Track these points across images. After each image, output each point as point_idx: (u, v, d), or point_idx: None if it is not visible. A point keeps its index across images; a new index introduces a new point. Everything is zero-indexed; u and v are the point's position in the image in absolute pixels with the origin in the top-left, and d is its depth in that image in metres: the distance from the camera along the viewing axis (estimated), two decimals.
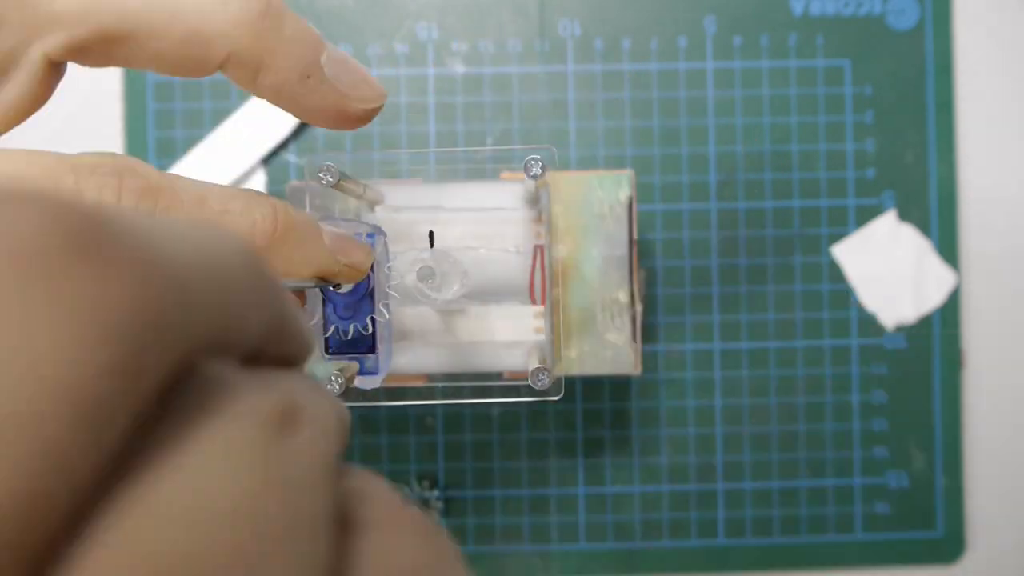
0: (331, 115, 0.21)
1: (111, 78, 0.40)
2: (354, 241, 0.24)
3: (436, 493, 0.41)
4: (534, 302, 0.32)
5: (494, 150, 0.40)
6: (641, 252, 0.39)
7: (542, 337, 0.32)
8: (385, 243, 0.28)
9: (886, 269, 0.41)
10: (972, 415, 0.41)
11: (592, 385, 0.41)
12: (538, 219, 0.32)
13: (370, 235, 0.27)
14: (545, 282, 0.31)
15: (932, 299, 0.41)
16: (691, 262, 0.41)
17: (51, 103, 0.44)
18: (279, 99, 0.21)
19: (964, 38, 0.41)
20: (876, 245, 0.41)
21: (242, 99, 0.40)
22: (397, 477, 0.41)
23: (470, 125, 0.41)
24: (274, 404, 0.11)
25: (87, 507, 0.09)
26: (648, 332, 0.40)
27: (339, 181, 0.27)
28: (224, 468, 0.10)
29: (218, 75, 0.20)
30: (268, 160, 0.40)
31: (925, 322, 0.41)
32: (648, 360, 0.40)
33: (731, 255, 0.41)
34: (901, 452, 0.41)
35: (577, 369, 0.34)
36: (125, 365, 0.09)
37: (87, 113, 0.40)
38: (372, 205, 0.32)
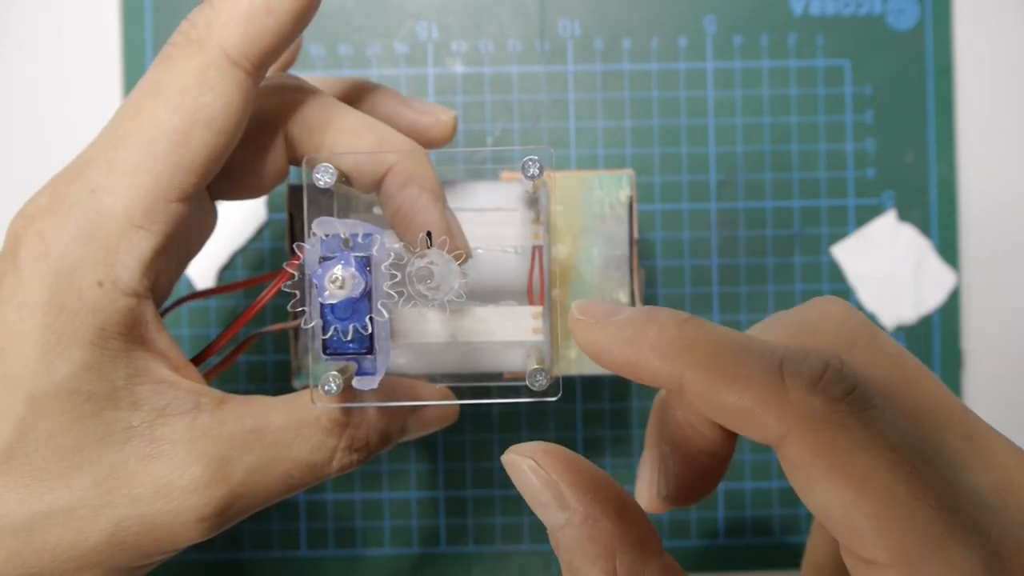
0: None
1: (110, 77, 0.40)
2: None
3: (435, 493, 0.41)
4: (533, 302, 0.32)
5: (494, 150, 0.40)
6: (641, 252, 0.39)
7: (541, 337, 0.32)
8: (383, 243, 0.28)
9: (886, 269, 0.41)
10: None
11: (592, 385, 0.41)
12: (537, 219, 0.32)
13: (368, 235, 0.27)
14: (544, 282, 0.31)
15: (932, 299, 0.41)
16: (691, 262, 0.41)
17: (51, 103, 0.44)
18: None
19: (964, 38, 0.41)
20: (876, 245, 0.41)
21: None
22: (397, 477, 0.41)
23: (470, 125, 0.41)
24: None
25: None
26: None
27: (337, 181, 0.27)
28: None
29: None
30: None
31: (925, 322, 0.41)
32: None
33: (731, 255, 0.41)
34: None
35: (576, 369, 0.34)
36: None
37: (87, 113, 0.40)
38: (371, 206, 0.32)
